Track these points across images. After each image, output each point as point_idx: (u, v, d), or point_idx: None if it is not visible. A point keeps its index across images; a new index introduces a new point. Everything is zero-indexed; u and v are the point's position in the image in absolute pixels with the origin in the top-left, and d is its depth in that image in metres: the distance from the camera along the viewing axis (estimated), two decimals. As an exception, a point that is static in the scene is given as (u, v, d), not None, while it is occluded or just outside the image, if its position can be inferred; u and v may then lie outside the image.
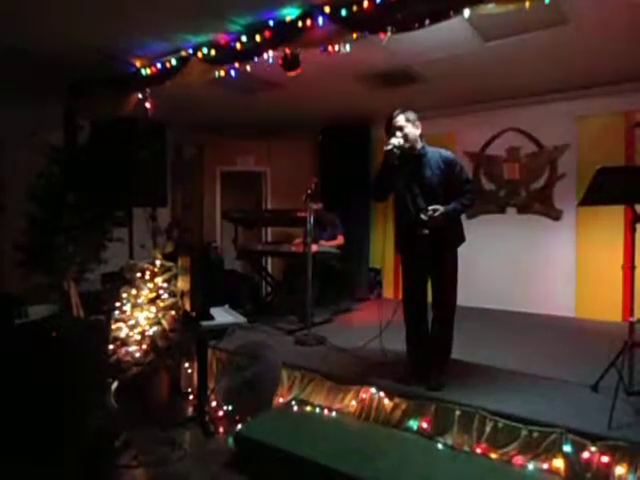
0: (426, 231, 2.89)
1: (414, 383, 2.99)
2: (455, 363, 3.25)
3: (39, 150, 3.99)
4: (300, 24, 3.16)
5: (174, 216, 6.21)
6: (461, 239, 3.10)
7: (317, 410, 3.16)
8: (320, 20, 3.07)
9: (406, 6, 2.79)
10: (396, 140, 2.92)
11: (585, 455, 2.31)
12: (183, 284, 3.43)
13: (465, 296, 4.05)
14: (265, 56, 3.39)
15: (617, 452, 2.25)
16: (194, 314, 3.23)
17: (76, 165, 4.13)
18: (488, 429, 2.60)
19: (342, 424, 2.99)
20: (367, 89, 4.89)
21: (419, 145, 3.02)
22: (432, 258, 3.01)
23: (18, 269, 3.86)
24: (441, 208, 2.85)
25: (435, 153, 3.02)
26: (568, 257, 5.18)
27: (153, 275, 3.78)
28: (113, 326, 3.63)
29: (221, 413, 3.39)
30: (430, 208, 2.85)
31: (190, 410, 3.55)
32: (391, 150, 2.90)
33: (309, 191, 4.03)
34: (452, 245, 3.06)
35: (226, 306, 3.69)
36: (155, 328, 3.53)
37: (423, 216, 2.86)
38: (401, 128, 2.96)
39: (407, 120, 2.96)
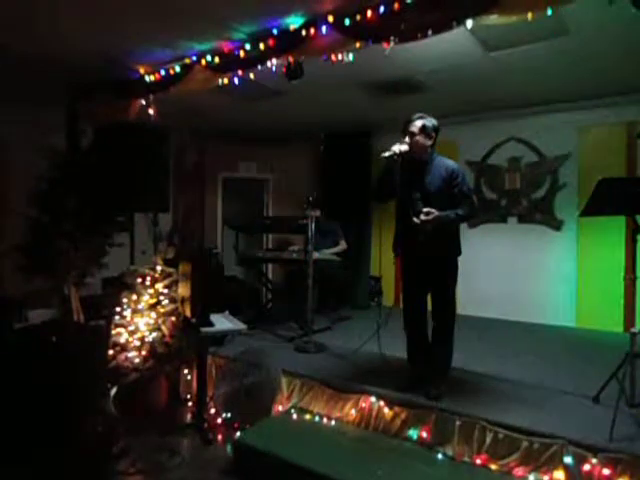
0: (420, 237, 2.90)
1: (414, 392, 2.98)
2: (455, 372, 3.23)
3: (41, 154, 4.00)
4: (304, 33, 3.18)
5: (176, 222, 6.22)
6: (458, 251, 3.10)
7: (316, 418, 3.15)
8: (324, 29, 3.09)
9: (409, 16, 2.81)
10: (397, 147, 2.95)
11: (586, 467, 2.30)
12: (183, 290, 3.43)
13: (466, 305, 4.06)
14: (269, 64, 3.41)
15: (618, 464, 2.24)
16: (194, 320, 3.23)
17: (78, 169, 4.14)
18: (488, 440, 2.58)
19: (341, 433, 2.98)
20: (369, 98, 4.91)
21: (425, 155, 3.03)
22: (432, 267, 3.01)
23: (19, 273, 3.86)
24: (435, 212, 2.85)
25: (441, 162, 3.04)
26: (569, 267, 5.18)
27: (154, 281, 3.78)
28: (113, 331, 3.62)
29: (220, 420, 3.38)
30: (424, 210, 2.85)
31: (189, 417, 3.53)
32: (390, 157, 2.94)
33: (310, 199, 4.04)
34: (450, 255, 3.07)
35: (226, 312, 3.69)
36: (155, 334, 3.52)
37: (415, 219, 2.86)
38: (412, 134, 2.98)
39: (421, 129, 2.97)
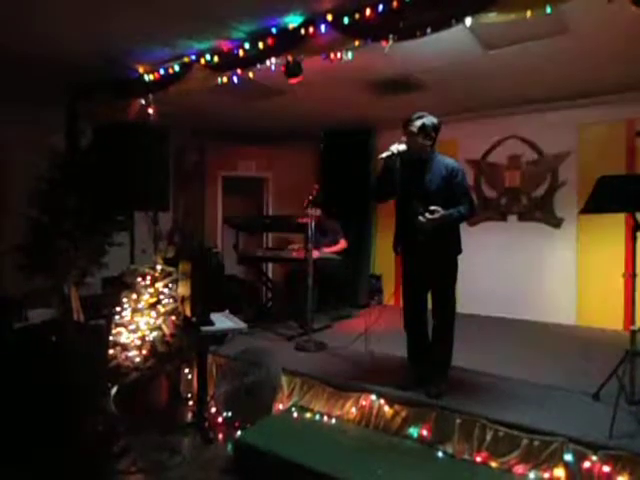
0: (421, 237, 2.89)
1: (414, 390, 2.98)
2: (456, 370, 3.24)
3: (41, 154, 4.00)
4: (303, 31, 3.18)
5: (176, 221, 6.22)
6: (459, 250, 3.10)
7: (317, 417, 3.15)
8: (322, 28, 3.09)
9: (408, 14, 2.80)
10: (395, 148, 2.95)
11: (586, 465, 2.30)
12: (184, 289, 3.43)
13: (466, 303, 4.06)
14: (268, 63, 3.41)
15: (618, 462, 2.25)
16: (194, 319, 3.23)
17: (78, 169, 4.14)
18: (489, 437, 2.59)
19: (342, 431, 2.98)
20: (369, 96, 4.91)
21: (425, 154, 3.02)
22: (432, 266, 3.01)
23: (19, 272, 3.86)
24: (441, 211, 2.83)
25: (440, 160, 3.03)
26: (569, 265, 5.18)
27: (154, 280, 3.78)
28: (113, 331, 3.63)
29: (220, 419, 3.38)
30: (431, 209, 2.83)
31: (189, 416, 3.54)
32: (389, 157, 2.95)
33: (310, 197, 4.05)
34: (451, 253, 3.07)
35: (226, 311, 3.69)
36: (155, 333, 3.52)
37: (421, 218, 2.85)
38: (411, 134, 2.97)
39: (420, 129, 2.95)
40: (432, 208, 2.83)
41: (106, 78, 4.19)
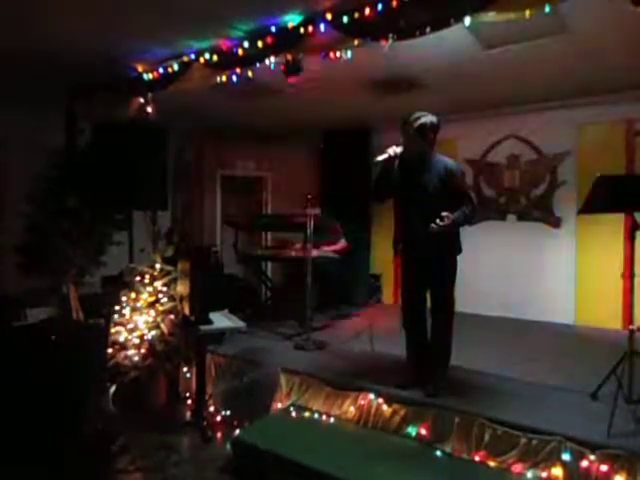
0: (422, 238, 2.88)
1: (413, 389, 2.98)
2: (454, 369, 3.24)
3: (40, 153, 4.00)
4: (302, 30, 3.17)
5: (174, 220, 6.21)
6: (458, 249, 3.10)
7: (315, 416, 3.15)
8: (322, 27, 3.08)
9: (407, 14, 2.80)
10: (392, 150, 2.95)
11: (584, 464, 2.30)
12: (182, 288, 3.43)
13: (465, 303, 4.05)
14: (267, 62, 3.41)
15: (616, 461, 2.25)
16: (193, 318, 3.23)
17: (76, 168, 4.14)
18: (487, 436, 2.59)
19: (340, 430, 2.98)
20: (368, 95, 4.90)
21: (424, 154, 3.00)
22: (432, 266, 3.01)
23: (17, 271, 3.86)
24: (451, 216, 2.78)
25: (440, 161, 3.01)
26: (568, 264, 5.18)
27: (153, 279, 3.78)
28: (112, 330, 3.63)
29: (219, 418, 3.39)
30: (443, 214, 2.77)
31: (188, 415, 3.54)
32: (386, 159, 2.95)
33: (309, 196, 4.05)
34: (451, 253, 3.06)
35: (225, 310, 3.69)
36: (154, 332, 3.53)
37: (433, 225, 2.79)
38: (408, 136, 2.96)
39: (418, 129, 2.92)
40: (444, 214, 2.77)
41: (105, 77, 4.19)
